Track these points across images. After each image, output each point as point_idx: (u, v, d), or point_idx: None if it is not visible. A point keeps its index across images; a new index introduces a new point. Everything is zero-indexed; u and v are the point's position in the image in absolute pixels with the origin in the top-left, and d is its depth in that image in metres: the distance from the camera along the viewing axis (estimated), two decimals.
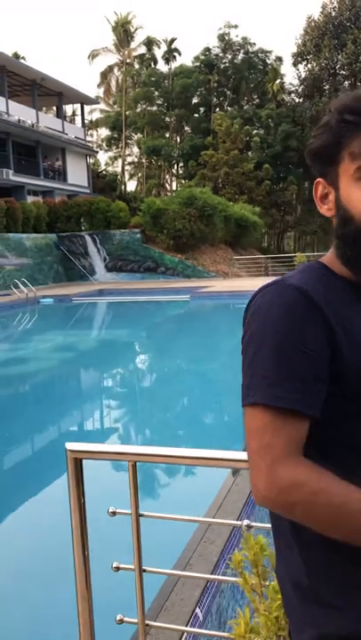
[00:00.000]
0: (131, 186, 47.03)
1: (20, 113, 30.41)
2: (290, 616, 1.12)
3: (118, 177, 43.59)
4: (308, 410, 0.96)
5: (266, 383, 0.97)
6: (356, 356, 0.99)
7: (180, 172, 46.51)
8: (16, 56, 36.49)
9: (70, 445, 1.93)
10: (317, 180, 1.09)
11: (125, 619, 2.05)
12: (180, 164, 45.60)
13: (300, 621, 1.07)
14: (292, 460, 0.95)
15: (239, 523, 1.97)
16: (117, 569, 2.05)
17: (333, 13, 39.94)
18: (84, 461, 1.94)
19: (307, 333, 0.98)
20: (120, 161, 45.65)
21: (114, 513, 2.04)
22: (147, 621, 2.04)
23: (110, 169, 47.39)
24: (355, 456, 1.02)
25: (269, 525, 1.16)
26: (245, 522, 1.89)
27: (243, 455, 2.12)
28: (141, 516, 1.97)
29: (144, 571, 1.99)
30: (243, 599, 3.33)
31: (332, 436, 1.02)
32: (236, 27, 44.06)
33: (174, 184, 48.46)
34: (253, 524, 1.88)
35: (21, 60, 34.16)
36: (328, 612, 1.02)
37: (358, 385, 0.99)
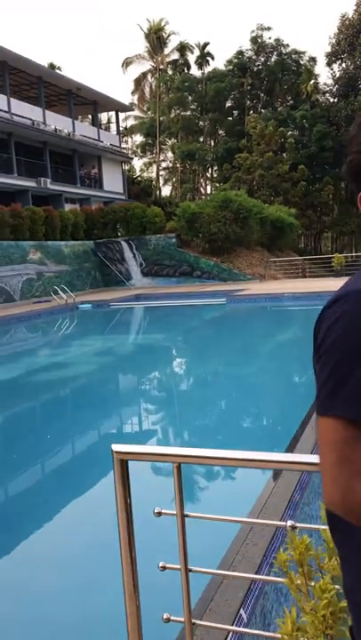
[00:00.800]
0: (165, 191, 47.29)
1: (57, 122, 30.96)
2: (356, 620, 1.12)
3: (153, 182, 43.87)
4: None
5: (351, 397, 0.97)
6: None
7: (215, 175, 46.53)
8: (52, 66, 37.18)
9: (116, 447, 1.98)
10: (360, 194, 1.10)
11: (172, 617, 2.09)
12: (215, 168, 45.62)
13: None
14: None
15: (283, 523, 1.98)
16: (164, 568, 2.09)
17: None
18: (130, 462, 1.99)
19: None
20: (155, 166, 45.96)
21: (160, 513, 2.08)
22: (193, 620, 2.08)
23: (145, 175, 47.78)
24: None
25: (313, 526, 1.18)
26: (290, 522, 1.91)
27: (284, 457, 2.14)
28: (186, 516, 2.00)
29: (190, 570, 2.03)
30: (286, 602, 3.33)
31: None
32: (269, 29, 43.85)
33: (209, 188, 48.53)
34: (298, 524, 1.90)
35: (57, 71, 34.78)
36: None
37: None
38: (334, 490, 0.99)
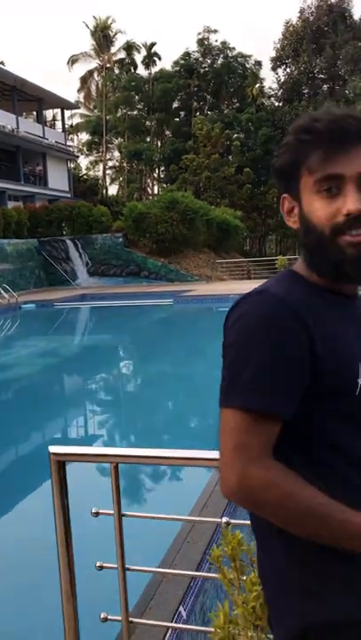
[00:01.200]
0: (112, 190, 47.06)
1: (0, 118, 30.29)
2: (271, 607, 1.17)
3: (99, 181, 43.53)
4: (282, 413, 1.04)
5: (246, 387, 1.04)
6: (333, 359, 1.07)
7: (162, 175, 46.62)
8: None
9: (53, 448, 1.98)
10: (283, 195, 1.18)
11: (110, 616, 2.10)
12: (162, 168, 45.71)
13: (280, 612, 1.12)
14: (265, 461, 1.03)
15: (218, 520, 2.03)
16: (101, 568, 2.10)
17: (311, 18, 40.41)
18: (68, 464, 1.99)
19: (286, 343, 1.05)
20: (101, 165, 45.63)
21: (97, 513, 2.09)
22: (130, 618, 2.10)
23: (91, 173, 47.34)
24: (341, 458, 1.09)
25: (249, 522, 1.21)
26: (225, 519, 1.95)
27: None
28: (124, 515, 2.02)
29: (127, 569, 2.04)
30: (227, 598, 3.39)
31: (316, 439, 1.09)
32: (215, 31, 44.30)
33: (156, 188, 48.55)
34: (232, 520, 1.94)
35: (0, 66, 34.02)
36: (310, 602, 1.07)
37: (336, 386, 1.08)
38: (231, 476, 1.03)
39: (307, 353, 1.05)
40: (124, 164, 46.16)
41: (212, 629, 1.63)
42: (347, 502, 1.03)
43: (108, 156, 46.30)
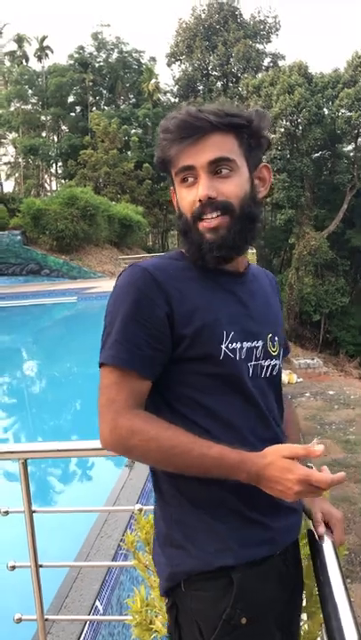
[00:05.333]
0: (8, 187, 45.52)
1: None
2: (155, 564, 1.32)
3: None
4: (142, 371, 1.17)
5: (112, 347, 1.18)
6: (192, 325, 1.19)
7: (60, 171, 45.67)
8: None
9: None
10: (171, 188, 1.32)
11: (24, 617, 2.06)
12: (59, 164, 44.76)
13: (160, 566, 1.28)
14: (131, 412, 1.15)
15: (131, 508, 2.03)
16: (13, 568, 2.05)
17: (203, 16, 41.01)
18: None
19: (145, 306, 1.17)
20: None
21: (6, 512, 2.04)
22: (46, 616, 2.06)
23: None
24: (202, 411, 1.21)
25: None
26: (137, 506, 1.97)
27: None
28: (35, 512, 1.98)
29: (40, 566, 2.01)
30: (144, 584, 3.41)
31: (180, 394, 1.22)
32: (108, 25, 44.27)
33: (54, 184, 47.53)
34: (145, 507, 1.96)
35: None
36: (179, 553, 1.23)
37: (197, 350, 1.19)
38: (104, 428, 1.16)
39: (163, 316, 1.17)
40: (20, 160, 44.80)
41: (130, 617, 1.64)
42: None
43: (1, 152, 44.77)
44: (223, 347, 1.20)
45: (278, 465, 1.11)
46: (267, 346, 1.29)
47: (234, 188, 1.21)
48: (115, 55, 44.10)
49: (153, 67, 43.55)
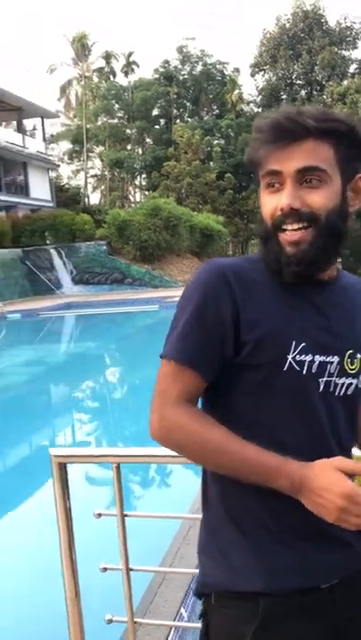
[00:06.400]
0: (94, 198, 46.96)
1: None
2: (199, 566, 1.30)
3: (81, 190, 43.44)
4: (199, 370, 1.14)
5: (172, 340, 1.17)
6: (258, 331, 1.13)
7: (143, 183, 46.65)
8: None
9: (54, 451, 1.98)
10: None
11: (114, 618, 2.10)
12: (143, 176, 45.74)
13: (199, 569, 1.27)
14: (180, 405, 1.13)
15: None
16: (105, 569, 2.10)
17: (288, 25, 40.81)
18: (69, 465, 1.99)
19: (211, 306, 1.14)
20: (83, 174, 45.56)
21: (99, 515, 2.09)
22: (135, 619, 2.10)
23: (73, 182, 47.20)
24: (256, 426, 1.15)
25: None
26: None
27: None
28: (126, 516, 2.02)
29: (131, 570, 2.05)
30: None
31: (236, 403, 1.18)
32: (193, 39, 44.70)
33: (138, 195, 48.57)
34: None
35: None
36: (211, 565, 1.21)
37: (259, 357, 1.14)
38: (153, 417, 1.15)
39: (229, 318, 1.13)
40: (106, 173, 46.13)
41: None
42: None
43: (89, 165, 46.28)
44: (290, 357, 1.13)
45: (326, 475, 1.03)
46: (344, 362, 1.19)
47: (321, 199, 1.12)
48: (199, 68, 44.64)
49: (236, 77, 43.70)
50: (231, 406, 1.17)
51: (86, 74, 43.30)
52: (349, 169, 1.17)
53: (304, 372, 1.14)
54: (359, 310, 1.26)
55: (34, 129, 41.84)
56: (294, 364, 1.13)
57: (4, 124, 36.72)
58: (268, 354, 1.13)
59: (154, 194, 37.44)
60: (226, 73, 44.66)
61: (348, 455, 1.18)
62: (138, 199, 46.90)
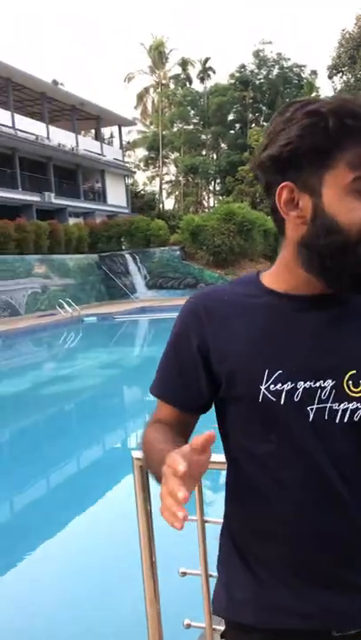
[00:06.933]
0: (169, 204, 47.54)
1: (60, 137, 31.23)
2: None
3: (156, 196, 44.11)
4: (170, 401, 1.16)
5: (156, 373, 1.20)
6: (228, 362, 1.06)
7: (218, 188, 46.76)
8: (55, 82, 37.54)
9: (136, 454, 2.00)
10: (284, 184, 1.01)
11: (193, 623, 2.10)
12: (217, 181, 45.86)
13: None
14: (152, 424, 1.16)
15: None
16: (184, 574, 2.10)
17: None
18: None
19: (182, 340, 1.12)
20: (158, 180, 46.23)
21: None
22: (214, 626, 2.09)
23: (148, 188, 48.05)
24: (253, 461, 1.09)
25: None
26: None
27: None
28: (207, 522, 2.02)
29: (210, 576, 2.04)
30: None
31: (233, 438, 1.13)
32: (270, 43, 44.53)
33: (212, 200, 48.73)
34: None
35: (60, 86, 35.14)
36: (217, 588, 1.21)
37: (232, 389, 1.07)
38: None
39: (195, 350, 1.09)
40: (180, 178, 46.59)
41: None
42: (251, 502, 1.11)
43: (164, 171, 46.91)
44: (263, 387, 1.03)
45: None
46: (343, 385, 1.03)
47: None
48: (275, 71, 44.32)
49: (314, 80, 43.08)
50: (232, 440, 1.13)
51: (163, 81, 43.95)
52: None
53: (282, 401, 1.02)
54: None
55: (111, 137, 42.91)
56: (269, 395, 1.03)
57: (83, 132, 37.85)
58: (241, 386, 1.05)
59: (228, 199, 37.44)
60: (303, 76, 44.12)
61: (355, 491, 1.05)
62: (212, 204, 47.07)
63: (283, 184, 1.01)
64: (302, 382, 1.02)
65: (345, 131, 0.95)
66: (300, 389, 1.02)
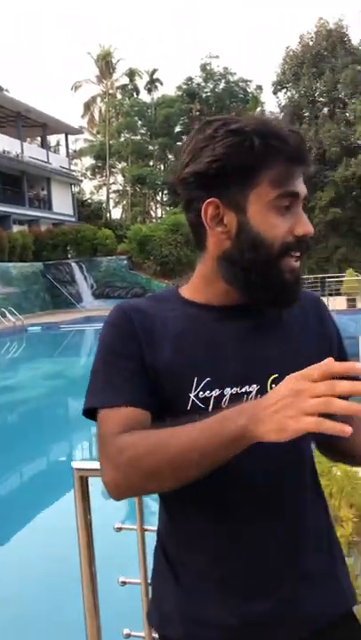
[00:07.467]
0: (116, 214, 47.40)
1: (5, 144, 30.70)
2: None
3: (103, 205, 43.91)
4: (133, 402, 1.01)
5: (97, 389, 1.06)
6: (158, 369, 1.04)
7: (165, 199, 46.98)
8: None
9: (76, 464, 2.00)
10: (210, 200, 1.03)
11: (132, 633, 2.10)
12: (165, 192, 46.08)
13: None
14: (122, 434, 0.99)
15: None
16: (124, 583, 2.11)
17: (311, 43, 41.00)
18: (90, 479, 2.01)
19: (117, 345, 1.06)
20: (105, 189, 46.05)
21: (120, 529, 2.11)
22: (153, 634, 2.10)
23: (95, 197, 47.77)
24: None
25: None
26: None
27: None
28: (146, 530, 2.04)
29: (150, 584, 2.05)
30: None
31: None
32: (217, 57, 45.15)
33: (159, 211, 48.92)
34: None
35: (5, 92, 34.61)
36: (151, 602, 1.21)
37: (164, 397, 1.04)
38: (106, 468, 1.00)
39: (136, 352, 1.04)
40: (128, 188, 46.57)
41: None
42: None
43: (111, 180, 46.78)
44: (192, 395, 1.02)
45: (286, 386, 0.83)
46: (266, 390, 1.02)
47: None
48: (222, 85, 45.04)
49: (259, 95, 44.03)
50: None
51: (110, 91, 43.94)
52: None
53: (210, 408, 1.01)
54: (305, 326, 1.14)
55: (57, 145, 42.54)
56: (198, 402, 1.02)
57: (28, 139, 37.35)
58: (169, 394, 1.03)
59: (175, 209, 37.68)
60: (249, 90, 45.02)
61: (285, 494, 1.06)
62: (159, 215, 47.25)
63: (208, 200, 1.03)
64: (229, 388, 1.03)
65: (270, 151, 0.99)
66: (227, 395, 1.02)
